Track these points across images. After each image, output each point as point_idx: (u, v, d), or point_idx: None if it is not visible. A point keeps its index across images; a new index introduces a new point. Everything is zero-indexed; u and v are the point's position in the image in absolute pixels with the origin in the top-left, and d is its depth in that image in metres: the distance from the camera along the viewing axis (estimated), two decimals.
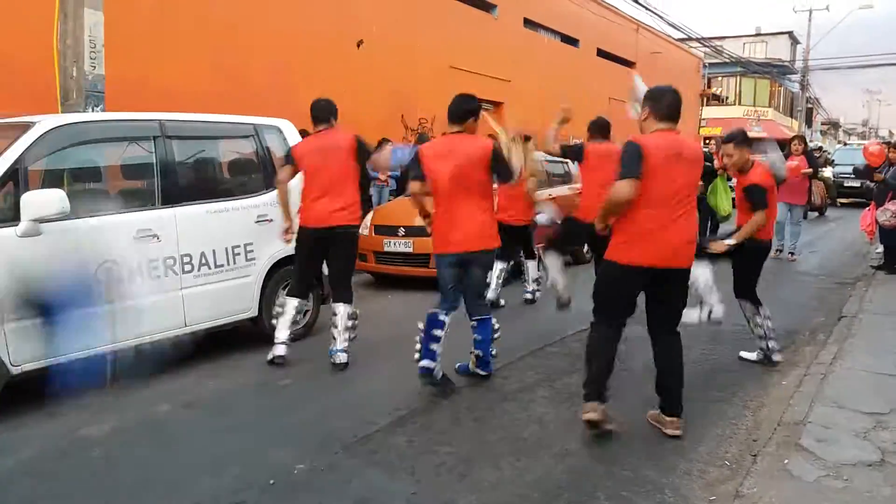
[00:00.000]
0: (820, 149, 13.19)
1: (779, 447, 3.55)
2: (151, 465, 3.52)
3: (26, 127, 4.31)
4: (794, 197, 10.11)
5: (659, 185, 3.53)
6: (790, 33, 43.50)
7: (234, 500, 3.14)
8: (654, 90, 3.74)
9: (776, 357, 5.13)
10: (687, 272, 3.80)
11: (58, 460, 3.58)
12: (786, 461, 3.36)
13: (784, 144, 10.41)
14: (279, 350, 5.02)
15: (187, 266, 4.86)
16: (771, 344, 5.12)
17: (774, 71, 38.49)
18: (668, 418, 3.80)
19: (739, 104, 38.49)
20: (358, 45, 12.75)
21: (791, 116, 42.97)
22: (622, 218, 3.65)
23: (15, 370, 4.03)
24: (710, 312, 5.08)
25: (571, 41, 20.96)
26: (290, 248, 5.36)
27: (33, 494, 3.23)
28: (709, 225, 10.35)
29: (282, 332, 5.06)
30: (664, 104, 3.67)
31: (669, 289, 3.77)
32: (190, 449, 3.71)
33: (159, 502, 3.14)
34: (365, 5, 12.97)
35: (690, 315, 4.76)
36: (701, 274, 4.91)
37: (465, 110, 4.43)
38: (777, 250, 10.12)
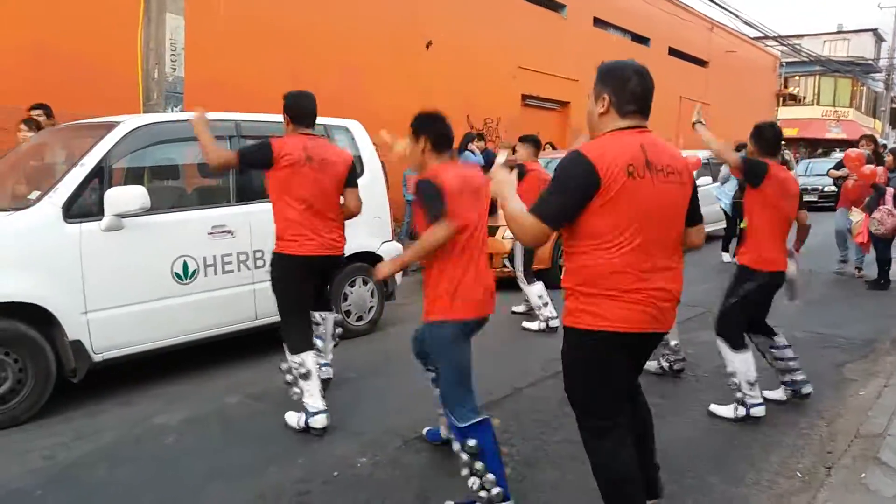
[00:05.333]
0: (884, 147, 11.83)
1: (855, 460, 3.41)
2: (221, 453, 3.65)
3: (110, 126, 4.52)
4: (857, 203, 8.65)
5: (630, 215, 2.32)
6: (874, 30, 41.63)
7: (299, 489, 3.22)
8: (610, 68, 2.49)
9: (805, 389, 4.28)
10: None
11: (133, 446, 3.75)
12: (863, 475, 3.22)
13: (853, 144, 9.46)
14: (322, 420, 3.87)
15: (259, 261, 5.00)
16: (798, 376, 4.28)
17: (857, 69, 36.87)
18: None
19: (818, 104, 37.02)
20: (427, 47, 12.86)
21: (874, 117, 41.07)
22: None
23: (97, 357, 4.23)
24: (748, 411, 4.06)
25: (642, 40, 20.59)
26: (358, 245, 5.45)
27: (111, 478, 3.39)
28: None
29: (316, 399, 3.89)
30: (629, 89, 2.43)
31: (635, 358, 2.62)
32: (258, 439, 3.81)
33: (228, 489, 3.25)
34: (434, 7, 13.06)
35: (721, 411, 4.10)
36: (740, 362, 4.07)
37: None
38: (841, 261, 9.11)
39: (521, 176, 6.11)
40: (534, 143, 6.63)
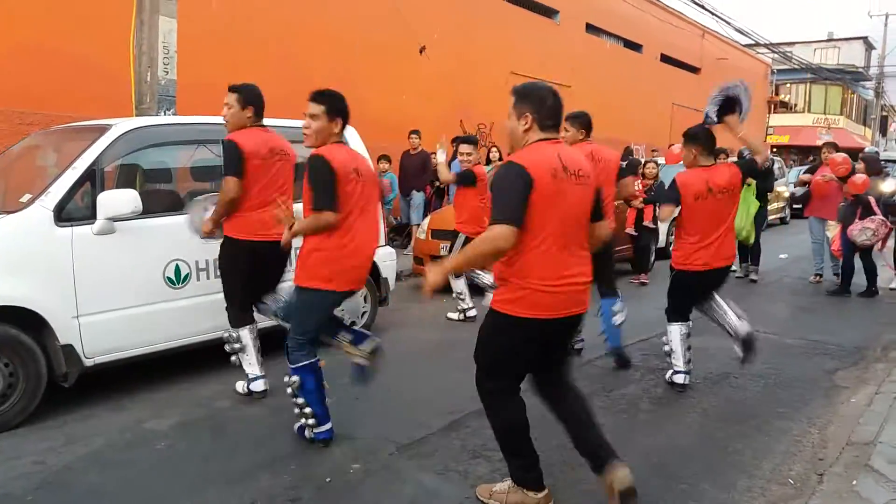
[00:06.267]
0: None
1: (847, 467, 3.43)
2: (212, 458, 3.63)
3: (103, 130, 4.50)
4: (827, 211, 8.53)
5: (553, 213, 2.74)
6: (865, 38, 41.96)
7: (291, 496, 3.20)
8: (529, 90, 2.89)
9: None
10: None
11: (125, 451, 3.72)
12: (854, 482, 3.23)
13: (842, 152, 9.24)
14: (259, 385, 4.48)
15: None
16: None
17: (847, 77, 37.14)
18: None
19: (809, 111, 37.28)
20: (420, 51, 12.87)
21: (864, 125, 41.39)
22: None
23: (88, 362, 4.20)
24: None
25: (634, 46, 20.69)
26: None
27: (102, 482, 3.37)
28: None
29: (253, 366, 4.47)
30: (547, 107, 2.84)
31: (559, 339, 3.05)
32: (250, 445, 3.79)
33: (220, 495, 3.23)
34: (428, 11, 13.08)
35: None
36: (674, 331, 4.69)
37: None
38: (817, 275, 8.96)
39: (471, 181, 6.38)
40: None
